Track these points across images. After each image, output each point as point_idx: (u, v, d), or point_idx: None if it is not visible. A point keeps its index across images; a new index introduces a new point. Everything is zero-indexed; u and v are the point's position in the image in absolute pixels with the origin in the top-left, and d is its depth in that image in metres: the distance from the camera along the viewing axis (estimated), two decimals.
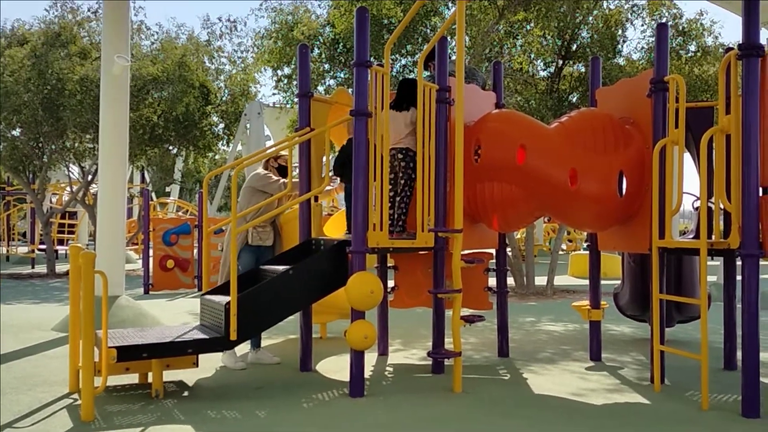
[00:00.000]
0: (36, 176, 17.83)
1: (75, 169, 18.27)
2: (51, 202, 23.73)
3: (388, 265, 6.77)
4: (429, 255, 5.94)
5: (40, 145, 16.76)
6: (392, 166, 5.90)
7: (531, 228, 13.10)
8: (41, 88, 14.90)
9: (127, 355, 4.88)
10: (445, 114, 5.80)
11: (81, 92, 14.78)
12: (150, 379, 5.31)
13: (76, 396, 5.19)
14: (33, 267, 19.60)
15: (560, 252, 14.89)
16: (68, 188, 19.40)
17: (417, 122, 5.65)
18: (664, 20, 12.50)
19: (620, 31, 12.63)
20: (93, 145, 16.24)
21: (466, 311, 6.27)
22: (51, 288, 14.07)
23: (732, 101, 5.02)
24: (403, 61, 13.22)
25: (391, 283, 6.70)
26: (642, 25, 13.07)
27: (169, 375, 5.61)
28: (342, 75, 13.35)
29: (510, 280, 12.28)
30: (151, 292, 12.87)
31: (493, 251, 6.84)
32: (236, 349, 6.02)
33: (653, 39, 12.49)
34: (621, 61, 12.82)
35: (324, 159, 6.51)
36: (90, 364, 4.66)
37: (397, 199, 6.01)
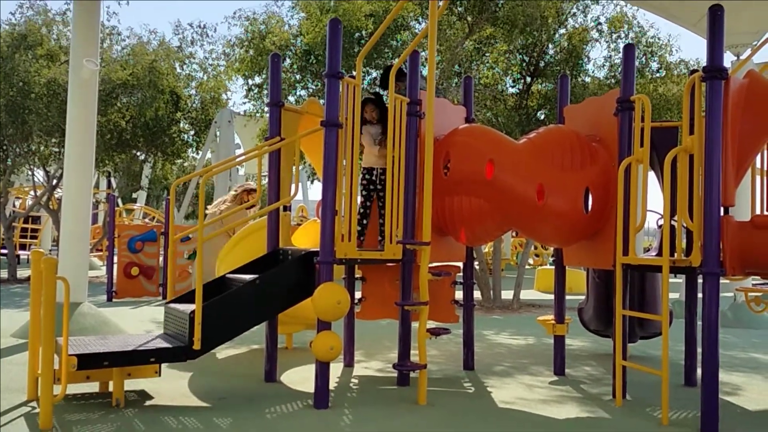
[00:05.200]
0: None
1: (39, 173, 17.95)
2: (14, 206, 23.29)
3: (356, 276, 6.77)
4: (397, 267, 5.95)
5: (4, 147, 16.45)
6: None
7: (498, 242, 13.18)
8: (6, 91, 14.65)
9: (88, 363, 4.79)
10: (415, 127, 5.83)
11: (48, 95, 14.55)
12: (111, 388, 5.23)
13: (34, 404, 5.08)
14: None
15: (527, 266, 14.99)
16: (32, 192, 19.04)
17: (387, 135, 5.68)
18: (624, 36, 12.73)
19: (586, 49, 12.81)
20: (59, 149, 15.98)
21: (432, 324, 6.28)
22: (12, 294, 13.77)
23: (696, 122, 5.14)
24: (374, 74, 13.28)
25: (358, 294, 6.69)
26: (605, 41, 13.26)
27: (131, 384, 5.53)
28: (313, 86, 13.34)
29: (477, 294, 12.34)
30: (114, 300, 12.63)
31: (460, 264, 6.87)
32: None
33: (615, 55, 12.78)
34: (587, 79, 13.00)
35: (293, 168, 6.50)
36: (49, 372, 4.58)
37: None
